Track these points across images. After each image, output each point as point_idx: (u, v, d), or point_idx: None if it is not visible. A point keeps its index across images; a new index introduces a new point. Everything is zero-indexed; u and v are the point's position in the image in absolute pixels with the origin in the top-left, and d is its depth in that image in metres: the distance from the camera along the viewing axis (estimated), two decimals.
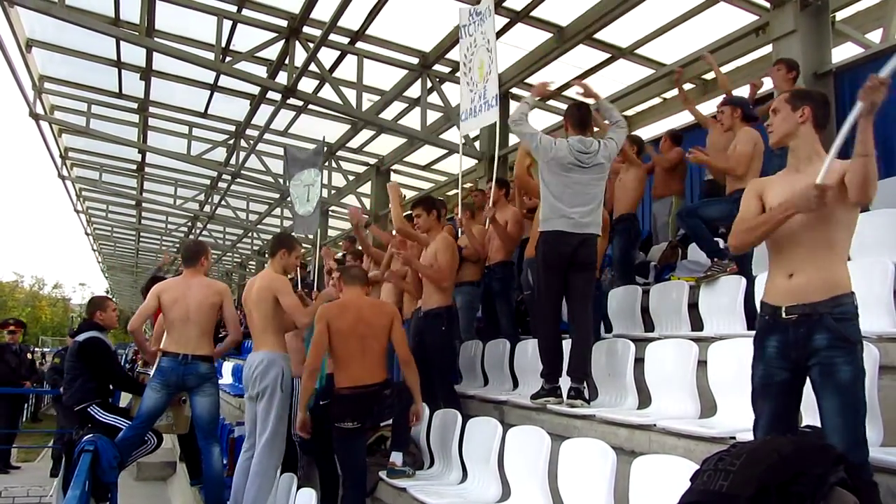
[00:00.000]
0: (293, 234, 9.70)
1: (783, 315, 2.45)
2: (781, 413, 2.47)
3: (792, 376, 2.45)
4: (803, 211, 2.40)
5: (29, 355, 10.47)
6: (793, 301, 2.44)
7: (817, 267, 2.43)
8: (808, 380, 2.44)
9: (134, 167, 15.34)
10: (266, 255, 5.13)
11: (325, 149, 9.25)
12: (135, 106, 11.62)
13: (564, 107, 9.27)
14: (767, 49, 6.52)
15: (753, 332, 2.67)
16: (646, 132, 7.92)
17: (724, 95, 5.63)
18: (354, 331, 4.19)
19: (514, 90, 9.13)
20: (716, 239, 4.93)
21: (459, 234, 5.96)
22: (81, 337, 5.35)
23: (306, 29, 8.07)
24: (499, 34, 7.80)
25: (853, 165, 2.33)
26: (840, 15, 6.50)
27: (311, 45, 7.82)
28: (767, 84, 5.96)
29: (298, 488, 4.36)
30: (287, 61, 8.23)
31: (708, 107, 7.22)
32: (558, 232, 4.22)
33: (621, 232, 5.79)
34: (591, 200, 4.27)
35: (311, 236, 9.69)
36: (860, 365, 2.34)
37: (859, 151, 2.30)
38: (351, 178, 13.86)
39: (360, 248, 7.60)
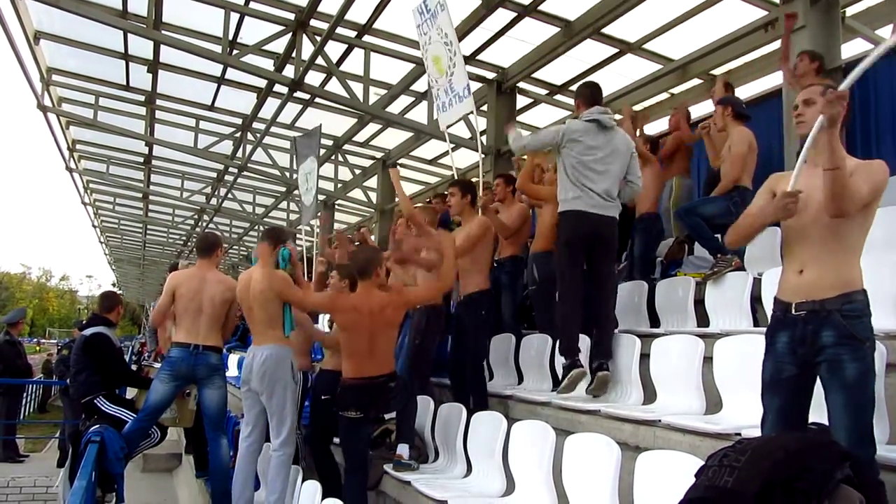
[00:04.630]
0: (300, 226, 9.73)
1: (793, 311, 2.45)
2: (789, 409, 2.47)
3: (800, 372, 2.44)
4: (780, 218, 2.48)
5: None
6: (802, 297, 2.43)
7: (827, 263, 2.42)
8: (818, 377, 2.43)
9: (141, 160, 15.35)
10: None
11: (319, 134, 9.28)
12: (142, 98, 11.64)
13: (570, 102, 9.27)
14: (776, 45, 6.47)
15: (759, 329, 2.67)
16: (653, 127, 7.87)
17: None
18: (366, 327, 4.13)
19: (522, 84, 9.10)
20: (716, 235, 4.93)
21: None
22: (88, 331, 5.40)
23: (313, 22, 8.07)
24: (506, 28, 7.82)
25: (823, 179, 2.33)
26: (850, 11, 6.44)
27: (319, 38, 7.82)
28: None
29: (303, 480, 4.37)
30: (294, 54, 8.23)
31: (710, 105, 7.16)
32: (576, 212, 4.24)
33: (642, 231, 5.79)
34: (608, 176, 4.27)
35: (311, 225, 9.72)
36: (868, 363, 2.33)
37: (825, 166, 2.30)
38: (357, 171, 13.85)
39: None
